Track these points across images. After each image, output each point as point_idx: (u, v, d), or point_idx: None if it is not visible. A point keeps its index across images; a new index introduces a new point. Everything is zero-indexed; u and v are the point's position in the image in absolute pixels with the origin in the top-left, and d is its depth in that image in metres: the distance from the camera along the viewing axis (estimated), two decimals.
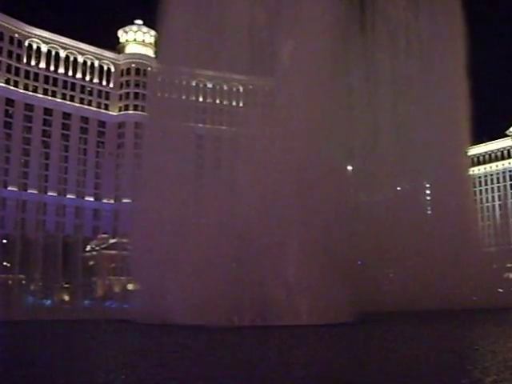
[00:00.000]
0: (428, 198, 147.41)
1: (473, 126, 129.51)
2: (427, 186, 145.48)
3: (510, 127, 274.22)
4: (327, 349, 41.89)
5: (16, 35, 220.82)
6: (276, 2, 78.00)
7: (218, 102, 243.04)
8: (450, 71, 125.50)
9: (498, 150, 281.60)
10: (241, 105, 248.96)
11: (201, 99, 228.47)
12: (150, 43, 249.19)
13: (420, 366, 29.68)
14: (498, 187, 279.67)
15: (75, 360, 35.30)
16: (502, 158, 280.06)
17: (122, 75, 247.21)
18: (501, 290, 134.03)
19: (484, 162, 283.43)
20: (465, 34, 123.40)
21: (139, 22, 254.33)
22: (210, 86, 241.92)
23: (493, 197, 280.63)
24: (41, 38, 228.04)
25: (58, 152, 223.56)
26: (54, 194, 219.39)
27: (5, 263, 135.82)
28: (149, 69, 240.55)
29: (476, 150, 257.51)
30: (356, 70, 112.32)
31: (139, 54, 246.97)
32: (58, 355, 39.11)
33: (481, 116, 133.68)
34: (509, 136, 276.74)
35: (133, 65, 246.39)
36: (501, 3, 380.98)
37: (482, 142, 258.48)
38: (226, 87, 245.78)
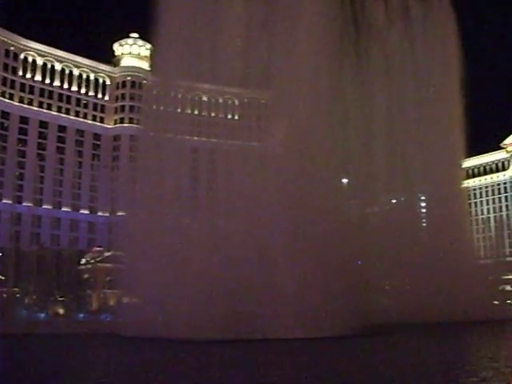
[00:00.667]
0: (423, 210, 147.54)
1: (467, 139, 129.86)
2: (422, 198, 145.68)
3: (504, 139, 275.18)
4: (326, 361, 41.84)
5: (12, 48, 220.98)
6: (271, 18, 78.38)
7: (213, 114, 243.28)
8: (445, 85, 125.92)
9: (492, 162, 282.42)
10: (236, 118, 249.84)
11: (196, 112, 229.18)
12: (146, 56, 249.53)
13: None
14: (493, 199, 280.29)
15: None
16: (497, 171, 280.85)
17: (117, 88, 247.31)
18: (496, 302, 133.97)
19: (479, 175, 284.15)
20: (459, 48, 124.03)
21: (135, 35, 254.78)
22: (205, 99, 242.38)
23: (488, 209, 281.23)
24: (36, 51, 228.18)
25: (53, 165, 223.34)
26: (49, 207, 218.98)
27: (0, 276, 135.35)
28: (144, 82, 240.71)
29: (471, 162, 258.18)
30: (351, 85, 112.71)
31: (135, 67, 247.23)
32: (41, 369, 39.12)
33: (475, 128, 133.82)
34: (503, 148, 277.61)
35: (128, 78, 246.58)
36: (495, 18, 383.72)
37: (476, 154, 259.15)
38: (221, 100, 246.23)
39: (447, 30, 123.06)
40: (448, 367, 35.50)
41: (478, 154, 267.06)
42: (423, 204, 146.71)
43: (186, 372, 36.28)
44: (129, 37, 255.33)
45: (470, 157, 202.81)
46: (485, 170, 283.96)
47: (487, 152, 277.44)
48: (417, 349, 52.03)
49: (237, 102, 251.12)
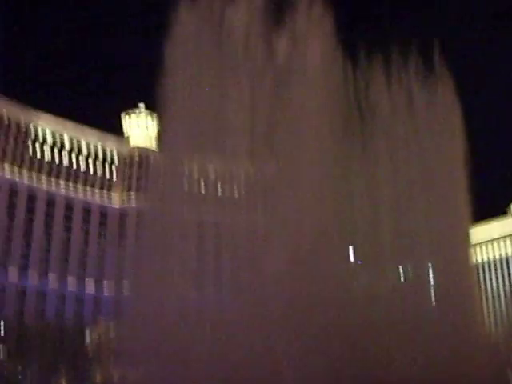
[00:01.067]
0: (431, 279, 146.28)
1: (473, 207, 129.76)
2: (430, 269, 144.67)
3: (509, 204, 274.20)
4: None
5: (22, 123, 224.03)
6: (275, 98, 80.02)
7: (219, 190, 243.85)
8: (449, 159, 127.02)
9: (499, 236, 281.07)
10: (242, 193, 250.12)
11: (202, 189, 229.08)
12: (153, 136, 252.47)
13: None
14: (502, 273, 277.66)
15: None
16: (505, 243, 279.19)
17: (125, 165, 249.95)
18: (510, 373, 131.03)
19: (486, 248, 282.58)
20: (464, 133, 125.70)
21: (142, 105, 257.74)
22: (212, 176, 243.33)
23: (497, 283, 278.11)
24: (46, 125, 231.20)
25: (59, 242, 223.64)
26: (55, 283, 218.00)
27: (2, 352, 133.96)
28: (152, 158, 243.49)
29: (479, 235, 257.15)
30: (356, 164, 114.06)
31: (142, 146, 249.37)
32: None
33: (481, 194, 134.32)
34: (508, 213, 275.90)
35: (136, 157, 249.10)
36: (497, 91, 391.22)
37: (483, 220, 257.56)
38: (227, 176, 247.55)
39: (452, 117, 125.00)
40: None
41: (485, 220, 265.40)
42: (431, 273, 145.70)
43: None
44: (136, 107, 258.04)
45: (476, 223, 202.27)
46: (493, 245, 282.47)
47: (494, 217, 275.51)
48: None
49: (243, 177, 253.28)
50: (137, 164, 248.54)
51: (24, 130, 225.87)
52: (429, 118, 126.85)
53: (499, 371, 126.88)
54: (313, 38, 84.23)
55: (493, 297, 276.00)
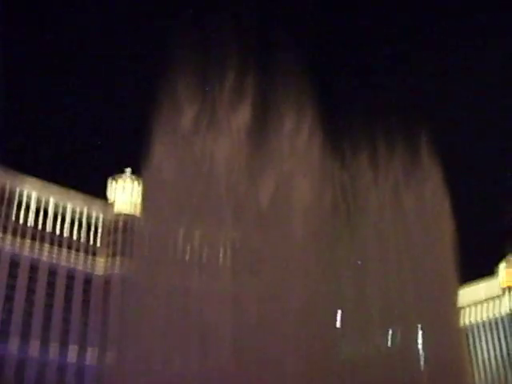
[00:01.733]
0: (420, 344, 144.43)
1: (461, 269, 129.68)
2: (419, 327, 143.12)
3: (497, 265, 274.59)
4: None
5: (7, 186, 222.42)
6: (262, 166, 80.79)
7: (204, 258, 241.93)
8: (434, 210, 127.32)
9: (486, 298, 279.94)
10: (227, 262, 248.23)
11: (187, 257, 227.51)
12: (138, 203, 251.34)
13: None
14: (492, 337, 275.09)
15: None
16: (493, 304, 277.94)
17: (109, 233, 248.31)
18: None
19: (475, 311, 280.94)
20: (452, 222, 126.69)
21: (128, 170, 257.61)
22: (196, 243, 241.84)
23: (488, 348, 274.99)
24: (31, 189, 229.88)
25: (41, 309, 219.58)
26: (36, 351, 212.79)
27: None
28: (136, 224, 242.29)
29: (467, 297, 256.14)
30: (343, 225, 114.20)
31: (127, 213, 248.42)
32: None
33: (467, 256, 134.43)
34: (495, 275, 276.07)
35: (120, 223, 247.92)
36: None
37: (470, 281, 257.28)
38: (213, 243, 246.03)
39: (439, 196, 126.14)
40: None
41: (473, 280, 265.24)
42: (420, 339, 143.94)
43: None
44: (123, 172, 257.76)
45: (464, 284, 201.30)
46: (481, 308, 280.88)
47: (481, 278, 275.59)
48: None
49: (228, 245, 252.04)
50: (121, 230, 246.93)
51: (8, 194, 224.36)
52: (415, 200, 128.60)
53: None
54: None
55: (483, 360, 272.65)
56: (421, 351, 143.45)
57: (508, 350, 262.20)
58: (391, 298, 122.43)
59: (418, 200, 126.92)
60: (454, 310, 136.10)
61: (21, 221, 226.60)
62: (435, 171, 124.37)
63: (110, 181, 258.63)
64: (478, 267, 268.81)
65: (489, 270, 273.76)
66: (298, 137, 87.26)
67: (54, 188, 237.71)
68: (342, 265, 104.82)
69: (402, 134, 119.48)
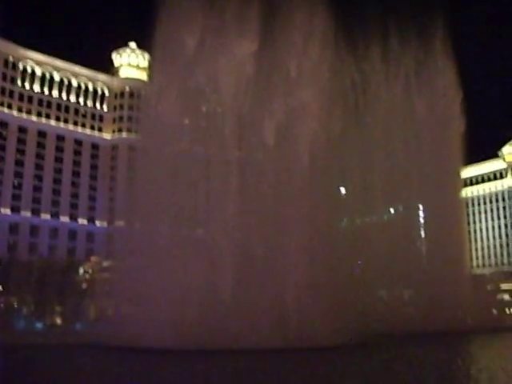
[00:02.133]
0: (421, 219, 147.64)
1: (465, 147, 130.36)
2: (420, 207, 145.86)
3: (501, 148, 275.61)
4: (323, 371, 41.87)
5: (10, 58, 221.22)
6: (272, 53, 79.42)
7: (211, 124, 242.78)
8: (442, 95, 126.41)
9: (490, 171, 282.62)
10: (233, 127, 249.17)
11: (194, 123, 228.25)
12: (144, 67, 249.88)
13: None
14: (491, 209, 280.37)
15: None
16: (495, 179, 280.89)
17: (115, 98, 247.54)
18: (495, 312, 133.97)
19: (477, 184, 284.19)
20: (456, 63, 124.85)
21: (133, 44, 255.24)
22: (203, 109, 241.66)
23: (486, 218, 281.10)
24: (35, 61, 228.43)
25: (51, 175, 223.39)
26: (47, 217, 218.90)
27: None
28: (142, 92, 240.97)
29: (469, 171, 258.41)
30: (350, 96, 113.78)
31: (133, 78, 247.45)
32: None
33: (473, 137, 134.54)
34: (500, 157, 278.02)
35: (126, 88, 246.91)
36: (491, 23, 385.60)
37: (474, 163, 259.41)
38: (220, 110, 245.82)
39: (446, 55, 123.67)
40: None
41: (476, 163, 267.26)
42: (421, 213, 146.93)
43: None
44: (127, 46, 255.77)
45: (467, 165, 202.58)
46: (483, 179, 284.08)
47: (485, 160, 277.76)
48: (412, 359, 52.03)
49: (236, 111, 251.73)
50: (128, 95, 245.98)
51: (12, 66, 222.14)
52: (423, 76, 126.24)
53: (485, 303, 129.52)
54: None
55: (480, 229, 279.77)
56: (421, 223, 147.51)
57: (506, 221, 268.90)
58: (395, 179, 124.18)
59: (427, 87, 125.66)
60: (456, 185, 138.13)
61: (26, 88, 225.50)
62: (442, 37, 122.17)
63: (114, 55, 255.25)
64: (484, 150, 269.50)
65: (493, 153, 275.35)
66: (310, 41, 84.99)
67: (58, 62, 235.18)
68: (349, 150, 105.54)
69: (415, 28, 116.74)
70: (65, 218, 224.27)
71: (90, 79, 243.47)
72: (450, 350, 64.62)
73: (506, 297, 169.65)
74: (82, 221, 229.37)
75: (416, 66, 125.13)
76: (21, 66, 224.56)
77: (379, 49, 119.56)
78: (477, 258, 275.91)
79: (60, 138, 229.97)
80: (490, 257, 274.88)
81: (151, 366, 49.26)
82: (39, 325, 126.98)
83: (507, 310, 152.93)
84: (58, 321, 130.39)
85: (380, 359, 51.94)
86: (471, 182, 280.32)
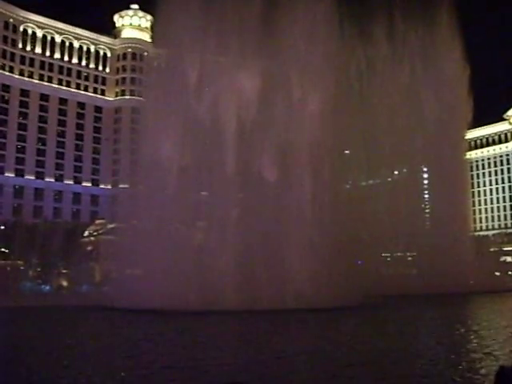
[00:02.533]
0: (425, 181, 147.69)
1: (470, 110, 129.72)
2: (424, 169, 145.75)
3: (507, 111, 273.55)
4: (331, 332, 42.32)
5: (11, 20, 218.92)
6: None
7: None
8: (448, 58, 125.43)
9: (495, 133, 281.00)
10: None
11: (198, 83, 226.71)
12: (146, 28, 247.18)
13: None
14: (495, 171, 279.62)
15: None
16: (500, 142, 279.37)
17: (118, 60, 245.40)
18: (497, 274, 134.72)
19: (481, 146, 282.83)
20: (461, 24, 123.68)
21: (135, 6, 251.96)
22: (207, 70, 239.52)
23: (490, 180, 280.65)
24: (36, 23, 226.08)
25: (54, 138, 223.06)
26: (51, 180, 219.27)
27: (3, 249, 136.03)
28: (145, 53, 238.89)
29: (473, 133, 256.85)
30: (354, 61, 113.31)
31: (135, 39, 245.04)
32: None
33: (478, 100, 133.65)
34: (506, 120, 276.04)
35: (129, 50, 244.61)
36: None
37: (479, 126, 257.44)
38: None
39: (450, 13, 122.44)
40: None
41: (481, 126, 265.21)
42: (425, 176, 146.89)
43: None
44: (129, 8, 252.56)
45: (472, 128, 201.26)
46: (487, 142, 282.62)
47: (490, 123, 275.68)
48: (413, 320, 52.64)
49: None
50: (130, 57, 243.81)
51: (13, 29, 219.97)
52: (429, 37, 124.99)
53: (488, 262, 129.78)
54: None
55: (484, 192, 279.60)
56: (425, 185, 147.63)
57: (510, 182, 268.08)
58: (399, 142, 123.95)
59: (433, 51, 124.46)
60: (460, 143, 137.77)
61: (28, 51, 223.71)
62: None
63: (116, 16, 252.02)
64: (490, 113, 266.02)
65: (500, 116, 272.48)
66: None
67: (60, 25, 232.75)
68: (354, 113, 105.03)
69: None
70: (69, 181, 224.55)
71: (91, 41, 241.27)
72: (453, 310, 65.19)
73: (509, 259, 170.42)
74: (86, 184, 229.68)
75: (422, 31, 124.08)
76: (21, 29, 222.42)
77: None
78: (480, 221, 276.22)
79: (63, 101, 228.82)
80: (493, 219, 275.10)
81: (166, 328, 49.86)
82: (46, 287, 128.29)
83: (510, 271, 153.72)
84: (65, 283, 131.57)
85: (381, 320, 52.50)
86: (475, 144, 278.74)
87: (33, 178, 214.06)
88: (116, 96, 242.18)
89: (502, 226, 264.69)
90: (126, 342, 38.76)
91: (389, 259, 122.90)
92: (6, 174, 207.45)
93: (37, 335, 44.82)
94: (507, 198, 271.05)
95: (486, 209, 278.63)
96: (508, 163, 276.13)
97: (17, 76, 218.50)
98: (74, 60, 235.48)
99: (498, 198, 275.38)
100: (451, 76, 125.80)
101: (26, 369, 27.38)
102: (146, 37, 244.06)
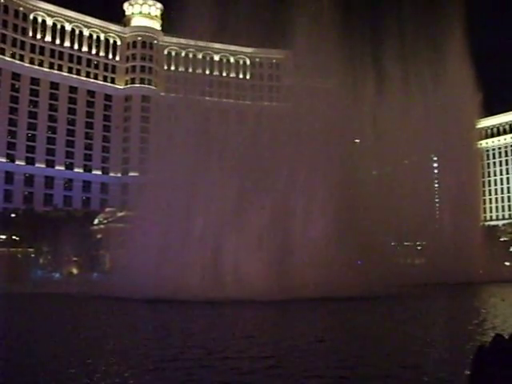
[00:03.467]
0: (435, 170, 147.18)
1: (483, 99, 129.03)
2: (434, 158, 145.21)
3: None
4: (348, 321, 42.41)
5: (21, 8, 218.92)
6: None
7: (224, 74, 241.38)
8: (458, 46, 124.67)
9: (506, 122, 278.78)
10: (247, 77, 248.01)
11: (207, 72, 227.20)
12: (156, 16, 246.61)
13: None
14: (506, 160, 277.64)
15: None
16: (511, 131, 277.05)
17: (128, 48, 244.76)
18: (507, 264, 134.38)
19: (493, 135, 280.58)
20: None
21: None
22: (216, 58, 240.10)
23: (501, 170, 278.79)
24: (46, 12, 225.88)
25: (64, 126, 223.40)
26: (62, 168, 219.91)
27: (14, 237, 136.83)
28: (155, 42, 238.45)
29: (486, 122, 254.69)
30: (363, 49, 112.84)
31: (145, 27, 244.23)
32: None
33: (490, 88, 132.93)
34: None
35: (139, 38, 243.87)
36: None
37: (492, 115, 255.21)
38: (232, 60, 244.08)
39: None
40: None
41: (494, 115, 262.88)
42: (435, 165, 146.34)
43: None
44: None
45: (484, 117, 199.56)
46: (498, 131, 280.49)
47: (503, 112, 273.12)
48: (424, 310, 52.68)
49: (248, 62, 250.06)
50: (140, 45, 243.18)
51: (23, 17, 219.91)
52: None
53: (498, 252, 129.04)
54: None
55: (495, 182, 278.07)
56: (435, 174, 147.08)
57: None
58: (409, 133, 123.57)
59: (444, 38, 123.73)
60: (472, 132, 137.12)
61: (38, 39, 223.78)
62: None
63: (126, 4, 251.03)
64: (503, 102, 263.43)
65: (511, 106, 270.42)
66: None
67: (70, 12, 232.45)
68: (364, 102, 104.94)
69: None
70: (79, 170, 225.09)
71: (101, 29, 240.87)
72: (461, 299, 65.21)
73: None
74: (96, 172, 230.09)
75: (430, 20, 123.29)
76: (32, 17, 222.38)
77: None
78: (491, 211, 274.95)
79: (73, 89, 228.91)
80: (503, 209, 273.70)
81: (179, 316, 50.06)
82: (56, 274, 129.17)
83: None
84: (75, 271, 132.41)
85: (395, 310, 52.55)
86: (486, 134, 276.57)
87: (43, 166, 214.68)
88: (126, 84, 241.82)
89: None
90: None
91: (398, 248, 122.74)
92: (17, 163, 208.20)
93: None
94: None
95: (496, 198, 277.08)
96: None
97: (27, 64, 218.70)
98: (84, 48, 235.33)
99: (508, 188, 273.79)
100: (462, 64, 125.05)
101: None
102: (156, 25, 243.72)
